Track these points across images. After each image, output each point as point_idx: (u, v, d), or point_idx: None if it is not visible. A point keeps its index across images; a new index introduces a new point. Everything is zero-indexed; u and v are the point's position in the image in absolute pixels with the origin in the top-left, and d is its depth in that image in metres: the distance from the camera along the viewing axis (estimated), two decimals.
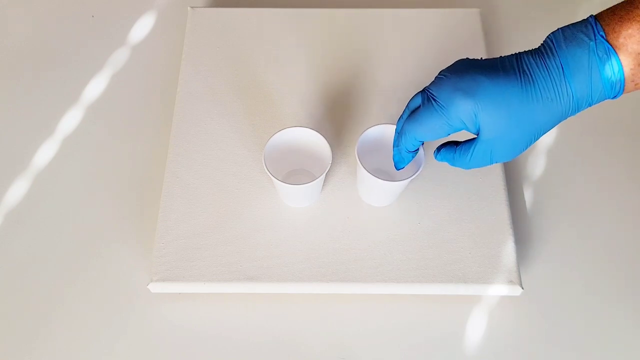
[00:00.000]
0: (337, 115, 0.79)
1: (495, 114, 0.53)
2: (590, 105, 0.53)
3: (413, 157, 0.63)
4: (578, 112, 0.54)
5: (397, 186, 0.68)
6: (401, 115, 0.62)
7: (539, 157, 0.79)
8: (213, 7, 0.90)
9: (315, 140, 0.70)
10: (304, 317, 0.70)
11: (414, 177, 0.66)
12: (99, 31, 0.90)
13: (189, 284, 0.68)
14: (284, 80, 0.81)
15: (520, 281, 0.68)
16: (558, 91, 0.53)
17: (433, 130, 0.57)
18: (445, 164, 0.68)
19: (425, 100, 0.57)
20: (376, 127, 0.69)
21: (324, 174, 0.67)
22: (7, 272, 0.73)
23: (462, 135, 0.64)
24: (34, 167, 0.79)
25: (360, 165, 0.67)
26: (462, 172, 0.74)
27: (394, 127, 0.68)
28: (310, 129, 0.70)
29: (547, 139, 0.80)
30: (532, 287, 0.71)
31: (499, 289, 0.68)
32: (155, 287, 0.69)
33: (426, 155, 0.68)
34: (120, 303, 0.71)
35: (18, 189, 0.78)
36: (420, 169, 0.66)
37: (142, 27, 0.90)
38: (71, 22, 0.91)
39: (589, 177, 0.78)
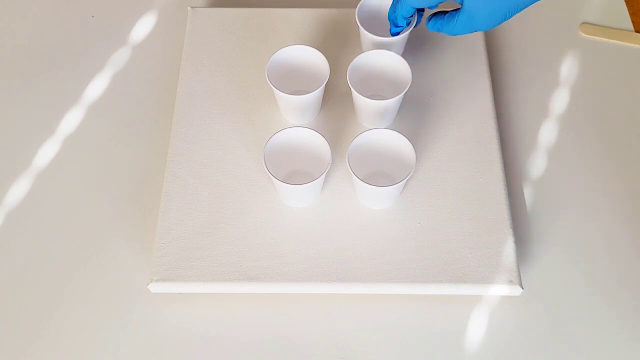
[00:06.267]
0: (337, 116, 0.79)
1: None
2: None
3: (407, 23, 0.73)
4: None
5: (391, 190, 0.68)
6: None
7: (538, 157, 0.79)
8: (213, 7, 0.90)
9: (315, 141, 0.70)
10: (304, 317, 0.70)
11: (406, 179, 0.66)
12: (99, 31, 0.90)
13: (189, 284, 0.68)
14: None
15: (520, 281, 0.68)
16: None
17: None
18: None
19: None
20: (369, 131, 0.69)
21: (324, 174, 0.67)
22: (7, 272, 0.73)
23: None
24: (34, 167, 0.79)
25: (352, 172, 0.67)
26: (462, 172, 0.74)
27: (389, 132, 0.70)
28: (310, 129, 0.70)
29: (547, 139, 0.80)
30: (532, 287, 0.71)
31: (499, 289, 0.68)
32: (155, 287, 0.69)
33: (417, 156, 0.69)
34: (120, 303, 0.71)
35: (19, 189, 0.78)
36: (412, 171, 0.67)
37: (142, 27, 0.90)
38: (71, 22, 0.91)
39: (589, 176, 0.78)
